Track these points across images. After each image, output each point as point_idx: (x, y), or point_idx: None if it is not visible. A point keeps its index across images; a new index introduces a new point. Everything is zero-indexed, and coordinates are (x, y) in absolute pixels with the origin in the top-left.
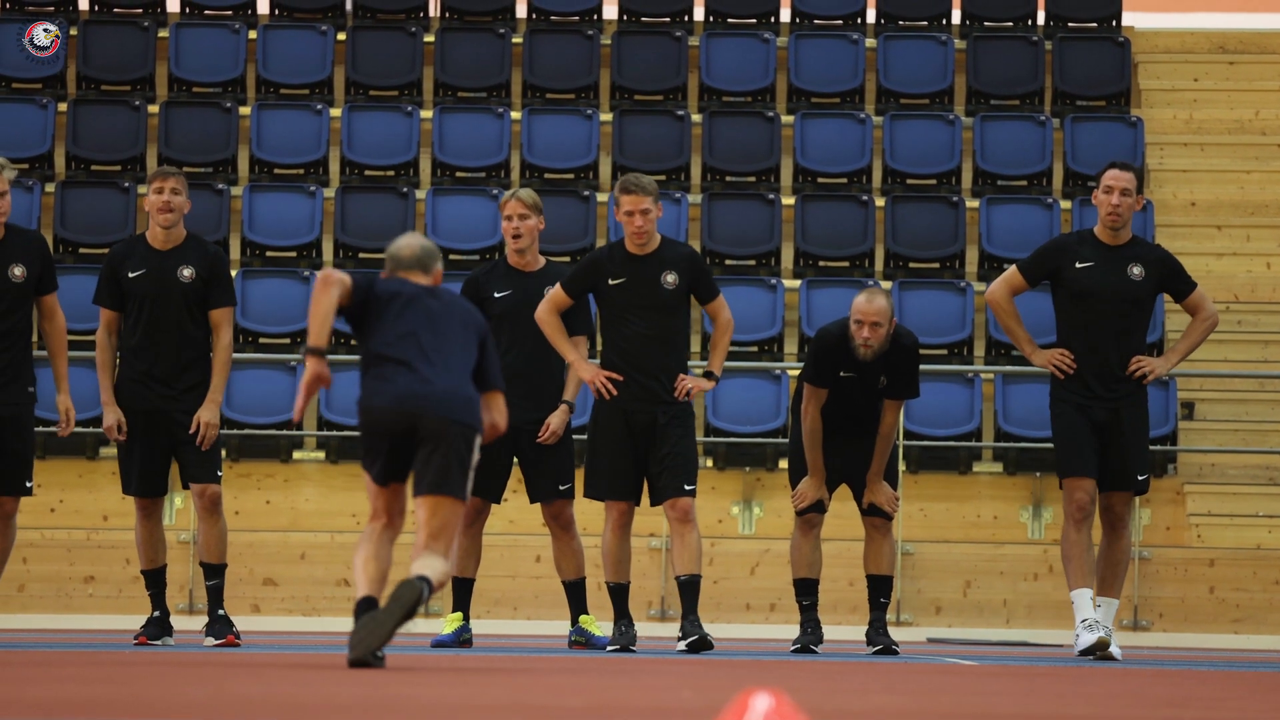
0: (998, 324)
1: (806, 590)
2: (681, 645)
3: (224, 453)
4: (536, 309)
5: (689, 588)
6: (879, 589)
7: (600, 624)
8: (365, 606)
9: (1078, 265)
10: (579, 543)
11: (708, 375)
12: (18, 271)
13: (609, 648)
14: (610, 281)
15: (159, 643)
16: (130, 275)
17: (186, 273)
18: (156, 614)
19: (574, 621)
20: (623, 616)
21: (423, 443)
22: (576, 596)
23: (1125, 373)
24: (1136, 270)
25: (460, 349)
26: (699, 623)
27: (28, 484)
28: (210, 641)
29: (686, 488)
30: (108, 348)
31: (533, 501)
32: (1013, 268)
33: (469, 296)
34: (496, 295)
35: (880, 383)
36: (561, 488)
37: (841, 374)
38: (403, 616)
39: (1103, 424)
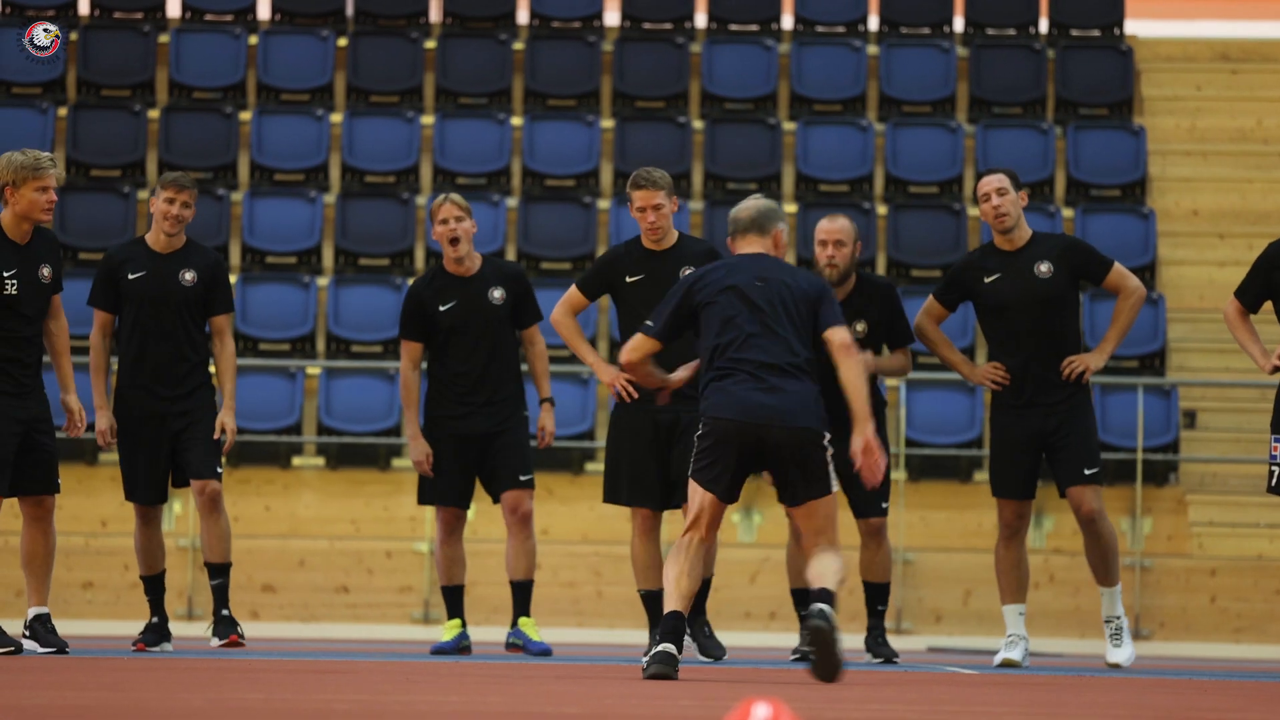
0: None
1: (804, 599)
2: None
3: (223, 458)
4: (552, 312)
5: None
6: (876, 596)
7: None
8: (674, 620)
9: (986, 280)
10: (534, 543)
11: None
12: (46, 272)
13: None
14: (627, 279)
15: (157, 649)
16: (130, 277)
17: (188, 276)
18: (155, 620)
19: (513, 623)
20: (656, 624)
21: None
22: (522, 597)
23: (1060, 375)
24: (1044, 268)
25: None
26: (708, 628)
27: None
28: (215, 642)
29: None
30: (102, 350)
31: (493, 492)
32: (930, 296)
33: (413, 312)
34: (442, 309)
35: (856, 331)
36: (522, 478)
37: None
38: (833, 647)
39: (1041, 430)
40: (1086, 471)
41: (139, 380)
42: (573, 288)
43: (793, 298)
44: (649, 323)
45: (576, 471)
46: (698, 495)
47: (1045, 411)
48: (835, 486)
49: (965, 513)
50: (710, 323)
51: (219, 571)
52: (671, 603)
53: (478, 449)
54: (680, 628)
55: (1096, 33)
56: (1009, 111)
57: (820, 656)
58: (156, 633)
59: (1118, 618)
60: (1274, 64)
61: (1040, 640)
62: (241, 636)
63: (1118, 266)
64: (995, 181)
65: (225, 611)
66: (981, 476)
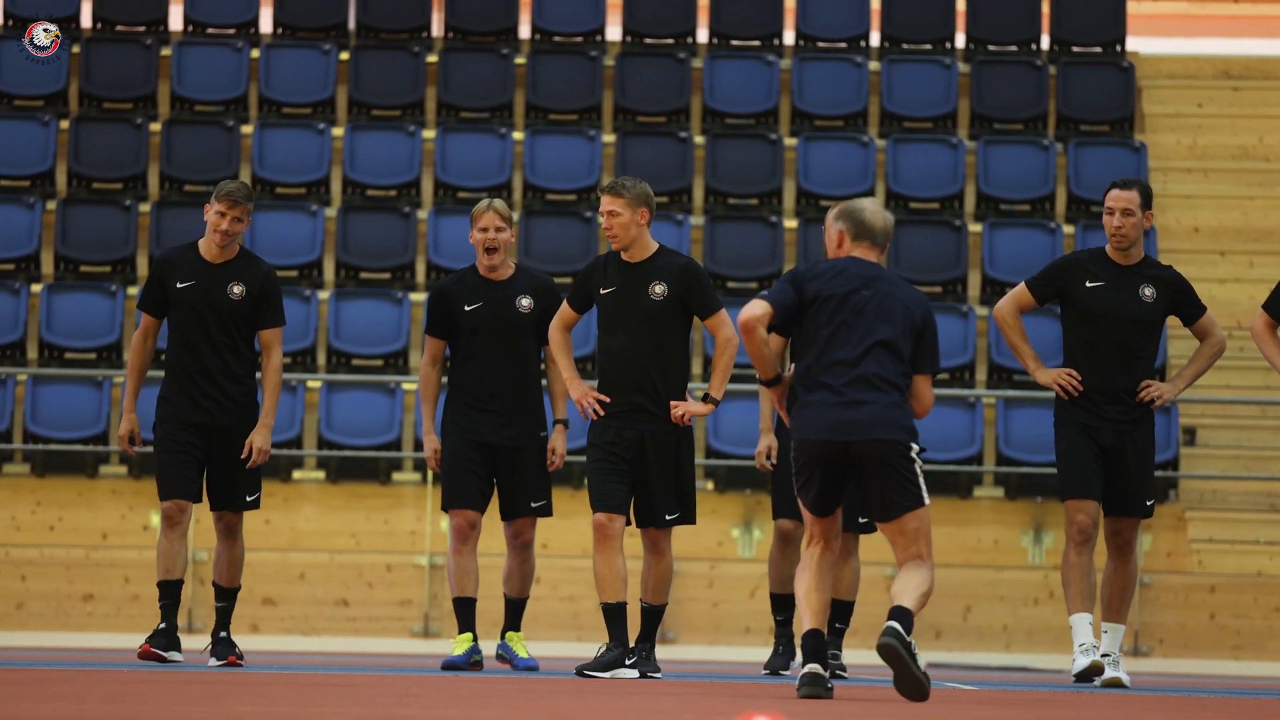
0: (1002, 345)
1: (782, 604)
2: (632, 674)
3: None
4: (549, 325)
5: (646, 616)
6: (838, 614)
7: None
8: (813, 640)
9: (1088, 284)
10: (533, 563)
11: (705, 398)
12: None
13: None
14: (601, 290)
15: (166, 654)
16: (179, 285)
17: (236, 289)
18: (163, 626)
19: (502, 636)
20: (613, 638)
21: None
22: (514, 612)
23: (1133, 395)
24: (1148, 291)
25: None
26: (649, 654)
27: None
28: (213, 663)
29: (667, 517)
30: (140, 352)
31: (504, 510)
32: (1021, 284)
33: (438, 310)
34: (466, 309)
35: None
36: (534, 505)
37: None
38: (908, 664)
39: (1108, 447)
40: (1149, 503)
41: (182, 388)
42: (564, 302)
43: (902, 314)
44: (766, 293)
45: (576, 486)
46: (806, 513)
47: (1114, 428)
48: (927, 499)
49: (965, 528)
50: (810, 325)
51: (225, 595)
52: (807, 621)
53: (494, 459)
54: (821, 647)
55: (1098, 49)
56: (1010, 128)
57: (898, 674)
58: (165, 637)
59: (1116, 655)
60: (1275, 81)
61: (1039, 656)
62: (240, 657)
63: (1210, 314)
64: (1124, 201)
65: (224, 633)
66: (981, 492)
